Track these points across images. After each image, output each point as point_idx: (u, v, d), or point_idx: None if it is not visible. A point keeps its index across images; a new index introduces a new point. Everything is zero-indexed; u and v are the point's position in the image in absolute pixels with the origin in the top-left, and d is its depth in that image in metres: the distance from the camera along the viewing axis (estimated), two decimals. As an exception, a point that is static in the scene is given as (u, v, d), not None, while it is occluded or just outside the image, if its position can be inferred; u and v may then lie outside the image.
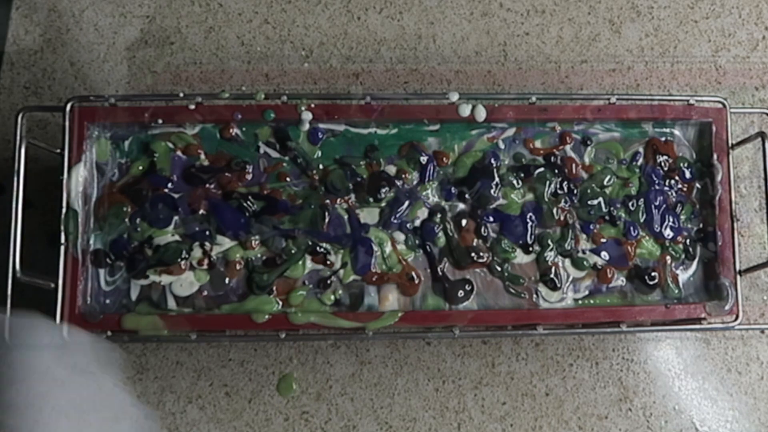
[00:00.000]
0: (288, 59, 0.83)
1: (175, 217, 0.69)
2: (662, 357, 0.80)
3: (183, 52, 0.83)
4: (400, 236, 0.70)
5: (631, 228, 0.71)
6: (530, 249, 0.71)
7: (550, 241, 0.71)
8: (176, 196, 0.70)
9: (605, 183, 0.72)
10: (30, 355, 0.48)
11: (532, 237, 0.71)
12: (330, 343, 0.78)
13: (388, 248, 0.69)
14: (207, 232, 0.69)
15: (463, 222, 0.70)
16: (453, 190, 0.71)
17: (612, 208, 0.72)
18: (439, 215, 0.70)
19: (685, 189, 0.73)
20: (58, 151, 0.68)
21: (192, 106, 0.70)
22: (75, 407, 0.48)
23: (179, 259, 0.68)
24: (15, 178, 0.66)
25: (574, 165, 0.72)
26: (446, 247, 0.70)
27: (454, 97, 0.71)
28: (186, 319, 0.67)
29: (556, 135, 0.73)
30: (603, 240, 0.71)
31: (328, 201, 0.70)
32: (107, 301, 0.68)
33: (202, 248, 0.69)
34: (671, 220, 0.72)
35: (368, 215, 0.70)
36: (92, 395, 0.52)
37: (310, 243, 0.69)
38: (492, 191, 0.71)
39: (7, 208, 0.66)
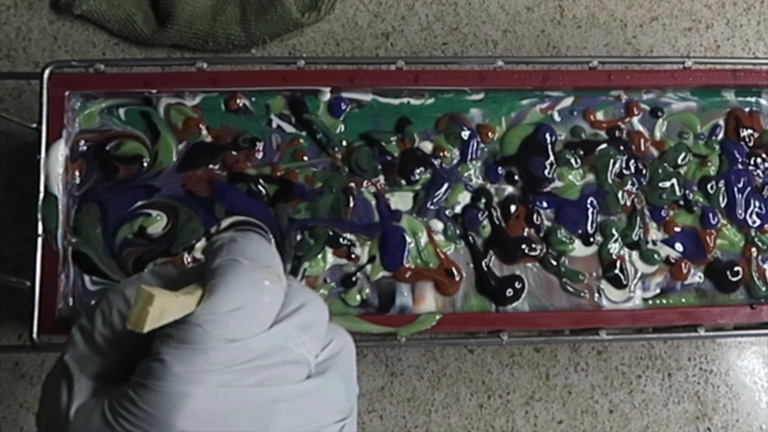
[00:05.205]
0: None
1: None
2: (747, 367, 0.79)
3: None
4: (438, 225, 0.69)
5: (710, 215, 0.70)
6: (591, 240, 0.69)
7: (614, 231, 0.69)
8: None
9: (679, 162, 0.71)
10: None
11: (593, 226, 0.69)
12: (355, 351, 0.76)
13: (423, 239, 0.68)
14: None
15: (512, 208, 0.69)
16: (500, 170, 0.70)
17: (687, 192, 0.70)
18: (483, 200, 0.69)
19: (773, 168, 0.72)
20: (35, 125, 0.66)
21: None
22: None
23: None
24: (-16, 157, 0.65)
25: (642, 141, 0.71)
26: (492, 238, 0.69)
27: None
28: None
29: (622, 105, 0.71)
30: (677, 229, 0.70)
31: (352, 184, 0.68)
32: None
33: (207, 239, 0.67)
34: (757, 205, 0.70)
35: (400, 200, 0.69)
36: None
37: (331, 234, 0.68)
38: (546, 172, 0.70)
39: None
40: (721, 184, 0.70)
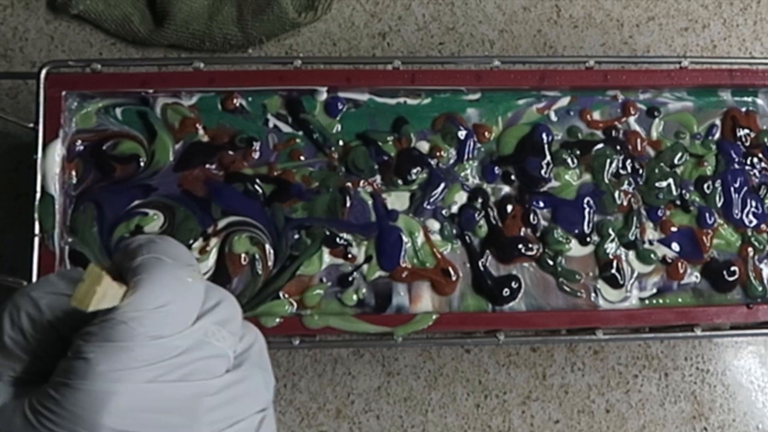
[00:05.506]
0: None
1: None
2: (743, 367, 0.79)
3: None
4: (435, 225, 0.69)
5: (707, 214, 0.70)
6: (587, 240, 0.69)
7: (610, 231, 0.69)
8: (170, 178, 0.69)
9: (676, 162, 0.71)
10: None
11: (590, 225, 0.69)
12: (352, 351, 0.77)
13: (420, 239, 0.68)
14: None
15: (509, 208, 0.69)
16: (496, 170, 0.70)
17: (684, 192, 0.70)
18: (480, 200, 0.69)
19: (770, 168, 0.72)
20: (32, 125, 0.66)
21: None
22: None
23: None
24: (-20, 157, 0.65)
25: (638, 140, 0.71)
26: (489, 238, 0.69)
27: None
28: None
29: (618, 105, 0.71)
30: (673, 229, 0.70)
31: (349, 184, 0.69)
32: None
33: (204, 239, 0.67)
34: (754, 204, 0.71)
35: (396, 200, 0.69)
36: None
37: (327, 233, 0.67)
38: (542, 172, 0.70)
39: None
40: (718, 183, 0.70)
